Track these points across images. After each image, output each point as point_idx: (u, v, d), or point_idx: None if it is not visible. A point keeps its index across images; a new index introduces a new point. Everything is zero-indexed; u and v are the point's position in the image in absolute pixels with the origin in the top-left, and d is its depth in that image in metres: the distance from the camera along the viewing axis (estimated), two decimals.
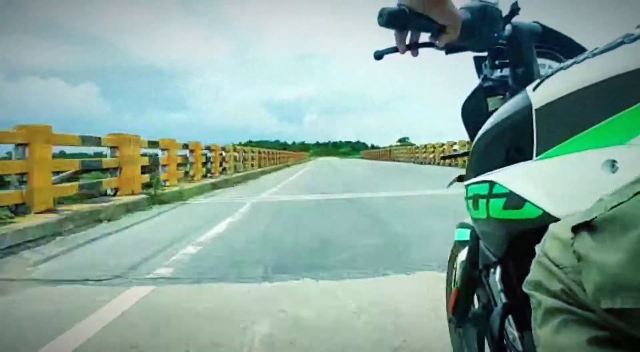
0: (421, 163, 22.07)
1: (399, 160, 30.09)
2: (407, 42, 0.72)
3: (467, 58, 0.92)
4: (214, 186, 8.45)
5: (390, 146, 55.93)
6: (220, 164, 11.25)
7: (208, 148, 10.33)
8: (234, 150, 12.50)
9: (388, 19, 0.65)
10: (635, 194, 0.33)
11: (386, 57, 0.76)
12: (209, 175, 10.18)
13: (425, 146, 22.51)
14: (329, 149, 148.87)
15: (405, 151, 30.66)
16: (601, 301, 0.33)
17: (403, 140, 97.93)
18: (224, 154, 11.51)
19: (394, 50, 0.73)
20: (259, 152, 17.80)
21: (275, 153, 24.50)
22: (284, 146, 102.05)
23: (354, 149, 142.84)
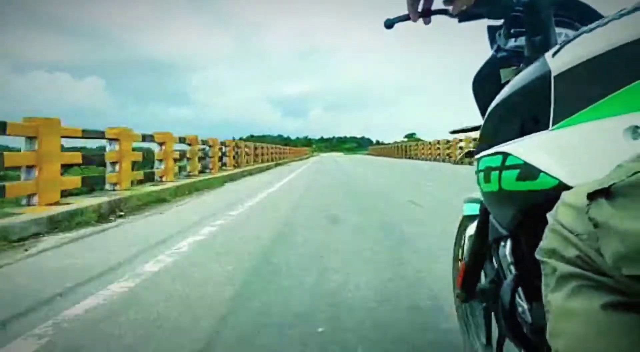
0: (454, 162, 17.24)
1: (416, 158, 25.63)
2: (420, 8, 0.69)
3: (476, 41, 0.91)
4: None
5: (395, 142, 54.20)
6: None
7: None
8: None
9: None
10: None
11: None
12: None
13: (448, 141, 19.88)
14: (334, 144, 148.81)
15: (422, 147, 26.21)
16: (622, 268, 0.34)
17: (410, 136, 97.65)
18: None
19: (406, 17, 0.71)
20: (240, 147, 13.37)
21: (267, 148, 20.12)
22: (286, 141, 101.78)
23: (359, 144, 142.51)
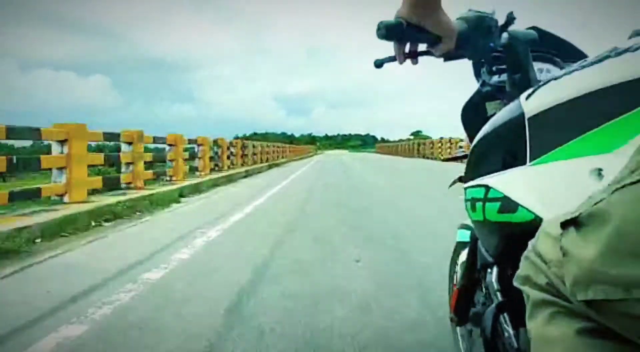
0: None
1: (430, 158, 22.11)
2: (407, 50, 0.75)
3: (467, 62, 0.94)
4: None
5: (401, 140, 52.24)
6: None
7: None
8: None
9: (386, 31, 0.69)
10: (614, 191, 0.36)
11: (386, 65, 0.79)
12: None
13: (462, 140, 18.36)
14: (338, 142, 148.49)
15: (438, 146, 22.61)
16: (577, 294, 0.36)
17: (416, 134, 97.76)
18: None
19: (394, 59, 0.77)
20: (222, 146, 10.47)
21: (262, 147, 16.27)
22: (290, 139, 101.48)
23: (364, 142, 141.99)
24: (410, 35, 0.72)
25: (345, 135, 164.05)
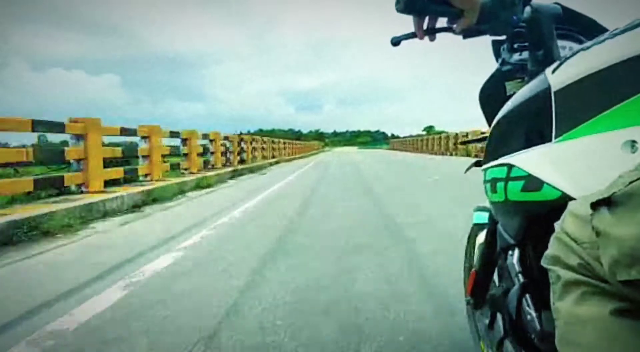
0: None
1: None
2: (425, 27, 0.73)
3: (486, 42, 0.92)
4: None
5: (410, 135, 50.04)
6: None
7: None
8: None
9: (405, 4, 0.68)
10: None
11: (403, 43, 0.77)
12: None
13: None
14: (347, 139, 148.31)
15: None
16: (617, 273, 0.36)
17: (429, 129, 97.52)
18: None
19: (412, 35, 0.75)
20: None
21: (236, 143, 11.82)
22: (298, 135, 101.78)
23: (373, 138, 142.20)
24: (431, 8, 0.70)
25: (354, 131, 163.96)
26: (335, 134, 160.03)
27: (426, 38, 0.75)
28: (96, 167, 5.24)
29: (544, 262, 0.48)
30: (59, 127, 4.84)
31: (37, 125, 4.41)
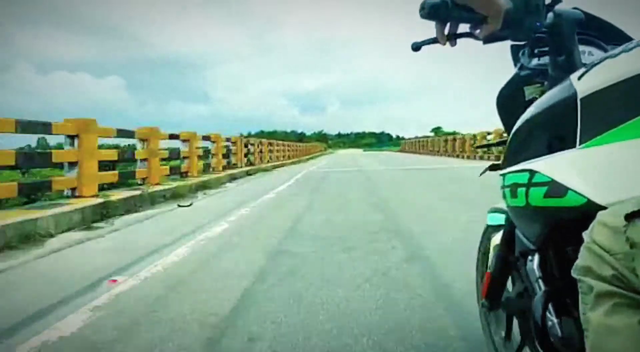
0: None
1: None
2: (446, 32, 0.75)
3: (503, 45, 0.92)
4: None
5: (422, 136, 49.82)
6: None
7: None
8: None
9: (430, 11, 0.69)
10: None
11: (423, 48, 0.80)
12: None
13: None
14: (351, 140, 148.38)
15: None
16: None
17: (437, 130, 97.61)
18: None
19: (433, 41, 0.77)
20: None
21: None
22: (300, 137, 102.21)
23: (378, 140, 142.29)
24: (455, 14, 0.71)
25: (358, 133, 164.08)
26: (339, 135, 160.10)
27: (447, 44, 0.77)
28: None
29: (574, 273, 0.49)
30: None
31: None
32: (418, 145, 37.58)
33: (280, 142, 21.90)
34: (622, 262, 0.42)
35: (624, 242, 0.42)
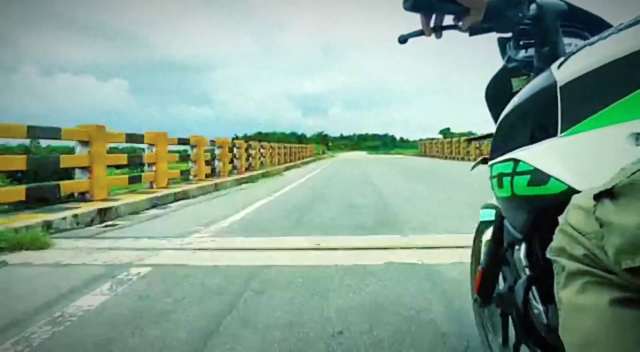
0: None
1: None
2: (432, 24, 0.79)
3: (495, 42, 0.98)
4: None
5: (420, 139, 47.15)
6: None
7: None
8: None
9: (413, 2, 0.73)
10: None
11: (412, 44, 0.83)
12: None
13: None
14: (354, 142, 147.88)
15: None
16: (622, 262, 0.40)
17: (445, 131, 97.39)
18: None
19: (419, 33, 0.81)
20: None
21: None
22: (300, 138, 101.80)
23: (383, 142, 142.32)
24: (437, 6, 0.75)
25: (361, 135, 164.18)
26: (342, 137, 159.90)
27: (433, 35, 0.82)
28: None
29: (549, 254, 0.52)
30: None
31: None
32: (442, 148, 28.92)
33: (263, 144, 16.33)
34: (593, 241, 0.44)
35: (594, 222, 0.44)
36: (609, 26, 0.88)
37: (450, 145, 27.41)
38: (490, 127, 1.09)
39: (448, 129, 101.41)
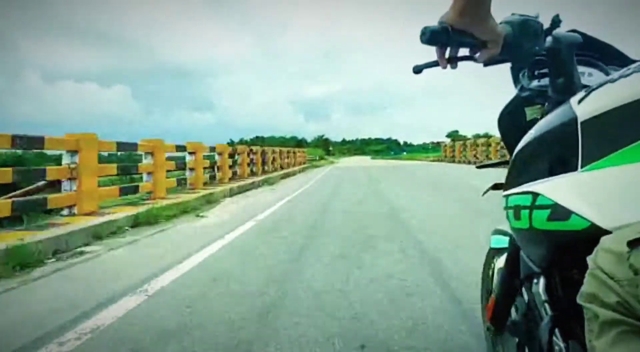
0: None
1: None
2: (447, 56, 0.82)
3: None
4: None
5: (425, 143, 49.84)
6: None
7: None
8: None
9: (430, 36, 0.76)
10: None
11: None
12: None
13: None
14: (357, 147, 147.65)
15: None
16: None
17: (453, 134, 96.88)
18: None
19: (434, 64, 0.84)
20: None
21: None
22: (300, 142, 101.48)
23: (388, 146, 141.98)
24: (455, 40, 0.78)
25: (364, 139, 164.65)
26: (344, 142, 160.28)
27: (448, 66, 0.84)
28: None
29: (579, 300, 0.52)
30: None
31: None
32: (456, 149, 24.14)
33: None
34: (627, 289, 0.44)
35: (628, 269, 0.44)
36: (621, 55, 0.93)
37: (486, 148, 21.11)
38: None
39: (456, 131, 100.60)
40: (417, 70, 0.87)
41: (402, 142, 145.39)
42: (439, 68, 0.85)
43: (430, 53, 0.85)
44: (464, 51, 0.84)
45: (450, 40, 0.79)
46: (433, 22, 0.82)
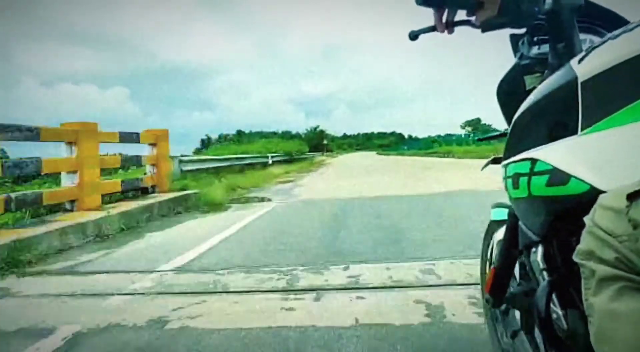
0: None
1: None
2: (444, 19, 0.86)
3: (504, 39, 1.03)
4: None
5: (432, 136, 43.47)
6: None
7: None
8: None
9: None
10: None
11: (419, 39, 0.89)
12: None
13: None
14: (359, 142, 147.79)
15: None
16: None
17: (474, 122, 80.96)
18: None
19: (431, 29, 0.88)
20: None
21: None
22: (293, 138, 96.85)
23: (394, 142, 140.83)
24: (451, 0, 0.79)
25: (367, 133, 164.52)
26: (345, 136, 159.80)
27: (445, 31, 0.87)
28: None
29: (576, 257, 0.54)
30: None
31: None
32: None
33: None
34: (626, 244, 0.46)
35: (627, 224, 0.46)
36: (627, 22, 0.93)
37: None
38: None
39: (479, 119, 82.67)
40: (413, 35, 0.92)
41: (406, 136, 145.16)
42: (436, 33, 0.89)
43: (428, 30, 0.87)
44: (460, 15, 0.89)
45: (446, 1, 0.82)
46: (432, 22, 0.88)
